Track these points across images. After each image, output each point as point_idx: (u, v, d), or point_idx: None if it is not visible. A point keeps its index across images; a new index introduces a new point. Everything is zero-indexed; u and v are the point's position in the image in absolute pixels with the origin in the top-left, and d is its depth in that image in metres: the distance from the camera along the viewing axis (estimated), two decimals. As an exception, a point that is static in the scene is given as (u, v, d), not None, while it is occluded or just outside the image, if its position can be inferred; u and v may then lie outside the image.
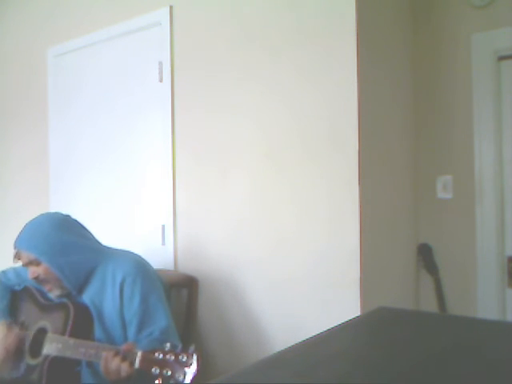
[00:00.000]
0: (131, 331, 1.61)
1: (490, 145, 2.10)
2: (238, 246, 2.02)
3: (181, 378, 1.27)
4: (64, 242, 1.66)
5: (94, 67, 2.61)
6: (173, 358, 1.29)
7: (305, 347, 0.79)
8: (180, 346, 1.35)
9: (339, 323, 0.92)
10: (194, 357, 1.29)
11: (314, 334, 0.84)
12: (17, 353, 1.69)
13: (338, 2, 1.76)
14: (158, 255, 2.21)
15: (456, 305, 2.13)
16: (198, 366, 1.28)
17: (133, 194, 2.42)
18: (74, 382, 1.62)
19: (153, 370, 1.30)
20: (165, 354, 1.31)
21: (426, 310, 2.14)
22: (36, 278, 1.66)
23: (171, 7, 2.24)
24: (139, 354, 1.35)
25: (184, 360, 1.28)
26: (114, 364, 1.38)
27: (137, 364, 1.35)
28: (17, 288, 1.88)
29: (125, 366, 1.36)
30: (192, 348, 1.30)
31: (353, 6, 1.72)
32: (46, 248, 1.63)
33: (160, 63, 2.29)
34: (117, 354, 1.40)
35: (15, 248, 1.68)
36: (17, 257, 1.68)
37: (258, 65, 1.97)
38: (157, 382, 1.29)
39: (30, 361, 1.65)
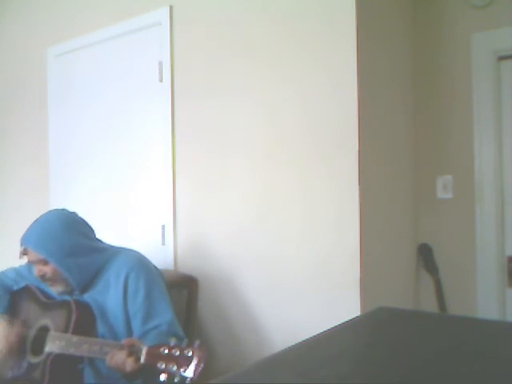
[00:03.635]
0: (136, 324, 1.62)
1: (490, 145, 2.10)
2: (238, 245, 2.02)
3: (186, 372, 1.26)
4: (73, 243, 1.65)
5: (93, 67, 2.61)
6: (178, 352, 1.29)
7: (305, 347, 0.79)
8: (185, 341, 1.34)
9: (339, 323, 0.91)
10: (200, 352, 1.28)
11: (314, 334, 0.84)
12: (18, 350, 1.68)
13: (338, 10, 1.76)
14: (158, 255, 2.21)
15: (456, 305, 2.13)
16: (203, 360, 1.27)
17: (133, 194, 2.42)
18: (76, 380, 1.62)
19: (158, 364, 1.29)
20: (170, 349, 1.30)
21: (425, 310, 2.14)
22: (42, 276, 1.66)
23: (171, 7, 2.24)
24: (144, 349, 1.35)
25: (190, 355, 1.27)
26: (119, 358, 1.39)
27: (142, 359, 1.34)
28: (15, 288, 1.87)
29: (130, 361, 1.36)
30: (197, 343, 1.30)
31: (353, 8, 1.72)
32: (55, 250, 1.62)
33: (160, 63, 2.29)
34: (122, 348, 1.40)
35: (22, 245, 1.67)
36: (24, 253, 1.67)
37: (257, 65, 1.97)
38: (162, 377, 1.28)
39: (32, 359, 1.64)
